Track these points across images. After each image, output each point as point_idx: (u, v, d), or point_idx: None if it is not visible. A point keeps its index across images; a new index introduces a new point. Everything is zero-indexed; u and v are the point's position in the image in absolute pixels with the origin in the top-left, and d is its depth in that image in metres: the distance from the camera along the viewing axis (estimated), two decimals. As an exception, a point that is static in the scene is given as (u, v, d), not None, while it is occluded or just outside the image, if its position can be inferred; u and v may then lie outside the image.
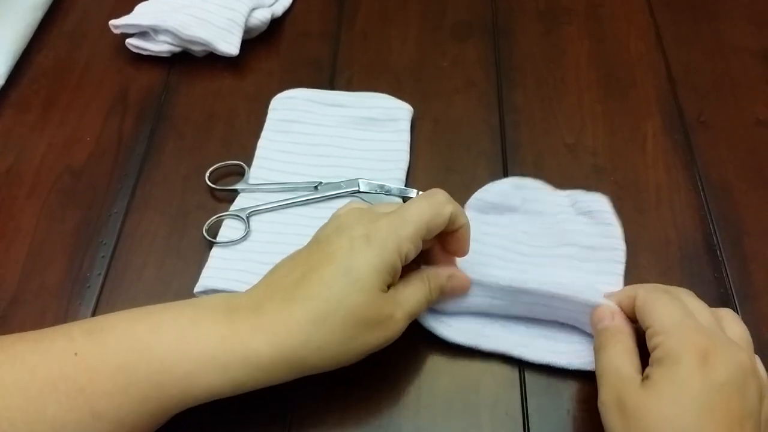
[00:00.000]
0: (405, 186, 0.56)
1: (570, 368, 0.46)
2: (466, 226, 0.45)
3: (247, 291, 0.43)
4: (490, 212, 0.53)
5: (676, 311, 0.42)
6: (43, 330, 0.41)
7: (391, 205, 0.46)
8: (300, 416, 0.46)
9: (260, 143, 0.59)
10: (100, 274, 0.52)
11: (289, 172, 0.57)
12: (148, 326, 0.40)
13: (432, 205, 0.43)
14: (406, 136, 0.59)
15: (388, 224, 0.42)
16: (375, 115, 0.60)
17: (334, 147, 0.59)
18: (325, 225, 0.46)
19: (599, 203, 0.53)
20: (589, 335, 0.47)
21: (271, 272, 0.44)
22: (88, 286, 0.51)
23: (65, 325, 0.41)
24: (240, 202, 0.55)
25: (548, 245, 0.52)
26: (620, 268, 0.50)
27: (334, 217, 0.45)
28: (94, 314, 0.50)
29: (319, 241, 0.44)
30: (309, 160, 0.58)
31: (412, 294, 0.44)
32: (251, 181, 0.56)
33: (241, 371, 0.39)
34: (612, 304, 0.45)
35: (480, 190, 0.54)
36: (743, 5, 0.71)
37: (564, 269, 0.50)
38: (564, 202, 0.54)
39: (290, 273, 0.42)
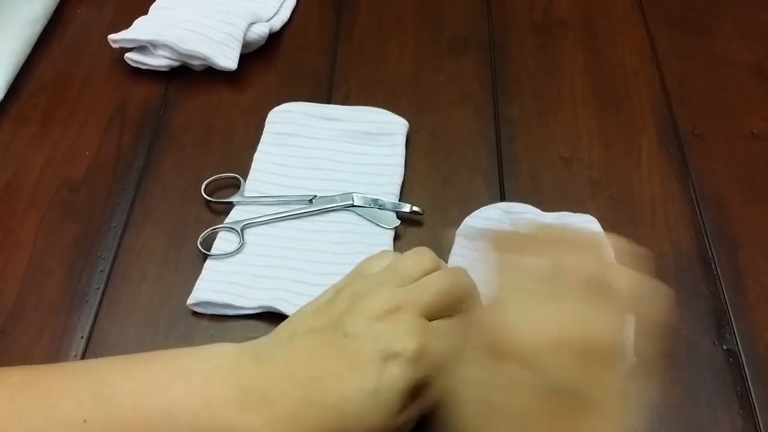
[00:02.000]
0: (399, 200, 0.57)
1: None
2: None
3: (260, 356, 0.41)
4: (480, 239, 0.53)
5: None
6: (43, 373, 0.41)
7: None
8: None
9: (256, 156, 0.59)
10: (98, 288, 0.52)
11: (284, 185, 0.57)
12: (159, 406, 0.39)
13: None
14: (401, 151, 0.60)
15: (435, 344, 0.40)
16: (371, 130, 0.60)
17: (329, 161, 0.59)
18: (356, 288, 0.43)
19: (589, 224, 0.53)
20: None
21: (291, 338, 0.41)
22: (87, 300, 0.52)
23: (66, 375, 0.41)
24: (235, 215, 0.56)
25: None
26: None
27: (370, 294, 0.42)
28: (92, 329, 0.50)
29: (346, 332, 0.41)
30: (304, 173, 0.58)
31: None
32: (247, 193, 0.57)
33: None
34: None
35: (469, 217, 0.54)
36: (737, 20, 0.71)
37: None
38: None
39: (312, 361, 0.40)
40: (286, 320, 0.43)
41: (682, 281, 0.52)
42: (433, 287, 0.42)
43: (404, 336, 0.40)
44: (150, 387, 0.40)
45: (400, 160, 0.59)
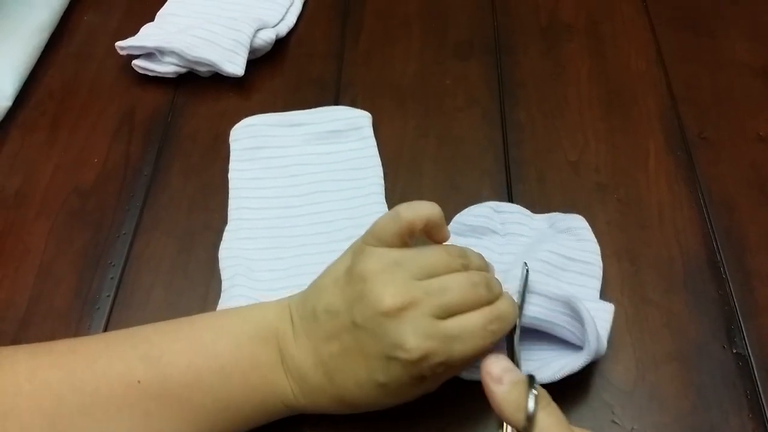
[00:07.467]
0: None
1: (555, 380, 0.44)
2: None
3: (294, 324, 0.43)
4: (470, 235, 0.54)
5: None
6: (87, 341, 0.42)
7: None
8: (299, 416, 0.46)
9: (230, 175, 0.58)
10: (109, 296, 0.53)
11: (266, 197, 0.57)
12: (209, 366, 0.41)
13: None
14: (373, 142, 0.60)
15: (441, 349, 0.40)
16: (337, 128, 0.61)
17: (305, 165, 0.59)
18: (367, 272, 0.41)
19: (576, 221, 0.53)
20: (560, 342, 0.46)
21: (313, 312, 0.42)
22: (98, 308, 0.52)
23: (111, 340, 0.43)
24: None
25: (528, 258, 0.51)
26: (596, 284, 0.51)
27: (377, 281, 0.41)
28: (103, 336, 0.50)
29: (355, 322, 0.40)
30: (283, 182, 0.58)
31: None
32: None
33: (281, 414, 0.44)
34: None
35: (460, 214, 0.55)
36: (743, 22, 0.71)
37: (541, 275, 0.49)
38: (542, 225, 0.54)
39: (330, 340, 0.41)
40: (313, 284, 0.45)
41: (690, 285, 0.52)
42: (453, 290, 0.41)
43: (409, 338, 0.39)
44: (197, 346, 0.42)
45: (374, 151, 0.60)
